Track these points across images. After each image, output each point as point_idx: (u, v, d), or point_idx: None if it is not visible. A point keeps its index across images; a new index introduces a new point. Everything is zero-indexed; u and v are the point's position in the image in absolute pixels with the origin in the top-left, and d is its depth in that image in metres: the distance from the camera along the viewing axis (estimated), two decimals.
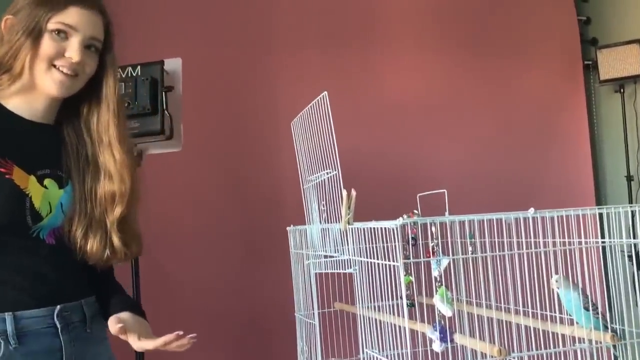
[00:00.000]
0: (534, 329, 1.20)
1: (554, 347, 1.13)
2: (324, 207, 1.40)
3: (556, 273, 1.19)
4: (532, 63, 3.55)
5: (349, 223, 1.23)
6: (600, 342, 1.13)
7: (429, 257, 1.13)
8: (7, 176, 1.14)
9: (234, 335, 2.70)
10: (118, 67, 1.30)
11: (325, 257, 1.43)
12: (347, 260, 1.29)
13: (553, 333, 1.18)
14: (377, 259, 1.14)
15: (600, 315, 1.19)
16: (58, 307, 1.19)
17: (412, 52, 3.32)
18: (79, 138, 1.27)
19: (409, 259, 1.08)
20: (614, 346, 1.15)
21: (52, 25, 1.16)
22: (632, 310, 1.23)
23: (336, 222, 1.34)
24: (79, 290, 1.26)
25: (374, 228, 1.16)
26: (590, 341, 1.13)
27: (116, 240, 1.25)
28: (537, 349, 1.12)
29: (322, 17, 3.18)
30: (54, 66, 1.17)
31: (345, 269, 1.31)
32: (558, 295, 1.17)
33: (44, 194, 1.19)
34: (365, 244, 1.23)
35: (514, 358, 1.10)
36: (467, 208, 1.38)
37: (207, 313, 2.58)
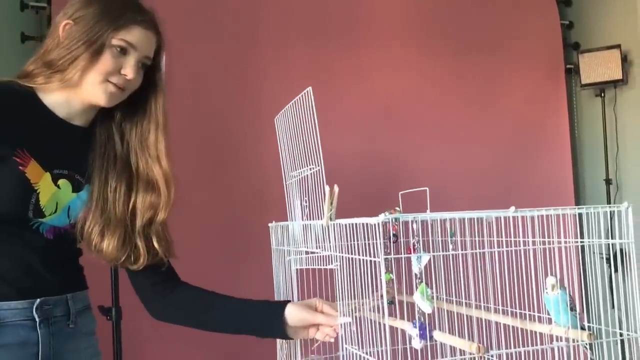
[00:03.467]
0: (513, 327, 1.21)
1: (532, 345, 1.14)
2: (306, 203, 1.40)
3: (534, 272, 1.20)
4: (515, 66, 3.60)
5: (331, 219, 1.23)
6: (577, 341, 1.15)
7: (410, 254, 1.13)
8: (20, 167, 1.15)
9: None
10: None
11: (307, 253, 1.43)
12: (329, 256, 1.29)
13: (531, 331, 1.19)
14: (359, 255, 1.14)
15: (577, 315, 1.21)
16: (38, 300, 1.18)
17: (396, 52, 3.34)
18: (109, 138, 1.30)
19: (390, 255, 1.09)
20: (590, 345, 1.16)
21: (115, 41, 1.19)
22: (608, 311, 1.25)
23: (318, 218, 1.34)
24: (67, 285, 1.25)
25: (356, 224, 1.16)
26: (567, 339, 1.15)
27: (155, 245, 1.29)
28: (515, 347, 1.13)
29: (307, 14, 3.18)
30: (108, 80, 1.20)
31: (326, 265, 1.31)
32: (542, 295, 1.18)
33: (54, 194, 1.20)
34: (348, 241, 1.23)
35: (492, 355, 1.11)
36: (448, 206, 1.38)
37: None
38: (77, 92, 1.21)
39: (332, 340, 1.25)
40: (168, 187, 1.29)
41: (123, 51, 1.20)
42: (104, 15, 1.19)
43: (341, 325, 1.22)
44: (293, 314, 1.28)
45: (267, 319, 1.31)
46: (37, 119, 1.21)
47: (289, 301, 1.31)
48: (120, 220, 1.26)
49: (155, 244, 1.29)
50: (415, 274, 1.09)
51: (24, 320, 1.17)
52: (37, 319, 1.18)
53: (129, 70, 1.20)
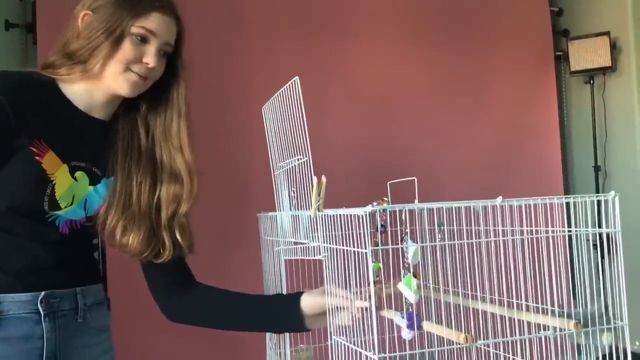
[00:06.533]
0: (500, 316, 1.21)
1: (520, 335, 1.15)
2: (294, 193, 1.40)
3: (523, 261, 1.21)
4: (504, 53, 3.59)
5: (318, 210, 1.23)
6: (564, 330, 1.15)
7: (399, 244, 1.13)
8: (37, 157, 1.13)
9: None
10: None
11: (295, 243, 1.43)
12: (317, 247, 1.29)
13: (519, 320, 1.20)
14: (347, 246, 1.14)
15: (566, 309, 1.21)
16: (43, 293, 1.16)
17: (384, 41, 3.32)
18: (133, 131, 1.28)
19: (378, 246, 1.09)
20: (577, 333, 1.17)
21: (135, 29, 1.18)
22: (601, 298, 1.26)
23: (306, 208, 1.33)
24: (77, 278, 1.23)
25: (344, 215, 1.15)
26: (554, 328, 1.15)
27: (178, 238, 1.28)
28: (503, 336, 1.13)
29: (296, 2, 3.15)
30: (130, 69, 1.18)
31: (314, 256, 1.31)
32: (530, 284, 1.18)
33: (70, 186, 1.18)
34: (336, 231, 1.23)
35: (480, 345, 1.11)
36: (439, 196, 1.38)
37: None
38: (99, 83, 1.20)
39: (350, 323, 1.21)
40: (191, 178, 1.28)
41: (143, 39, 1.19)
42: (122, 3, 1.18)
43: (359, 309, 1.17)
44: (310, 303, 1.26)
45: (285, 314, 1.29)
46: (57, 110, 1.19)
47: (302, 292, 1.28)
48: (144, 215, 1.24)
49: (179, 237, 1.28)
50: (404, 265, 1.09)
51: (29, 313, 1.15)
52: (42, 312, 1.16)
53: (151, 58, 1.19)
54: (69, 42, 1.20)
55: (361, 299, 1.13)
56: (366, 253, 1.02)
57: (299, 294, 1.29)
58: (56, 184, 1.15)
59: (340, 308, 1.22)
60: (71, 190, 1.18)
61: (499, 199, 1.09)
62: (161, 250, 1.27)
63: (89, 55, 1.17)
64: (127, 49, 1.17)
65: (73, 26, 1.21)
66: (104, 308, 1.31)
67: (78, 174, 1.19)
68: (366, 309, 1.13)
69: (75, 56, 1.18)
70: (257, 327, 1.34)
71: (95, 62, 1.17)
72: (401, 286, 1.06)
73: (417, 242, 1.17)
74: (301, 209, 1.38)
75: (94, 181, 1.22)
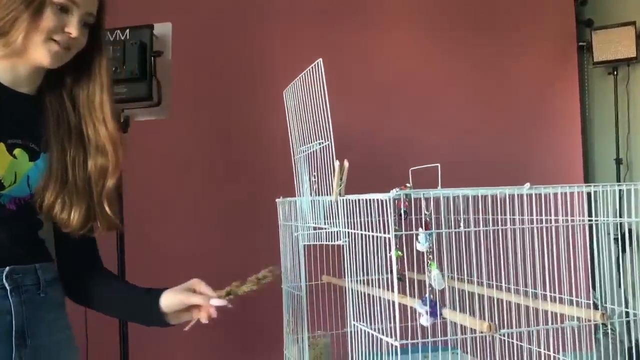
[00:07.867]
0: (524, 306, 1.19)
1: (543, 325, 1.13)
2: (314, 178, 1.38)
3: (546, 250, 1.18)
4: (527, 43, 3.53)
5: (340, 194, 1.21)
6: (589, 320, 1.13)
7: (423, 230, 1.11)
8: None
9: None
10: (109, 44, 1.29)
11: (315, 229, 1.41)
12: (337, 232, 1.28)
13: (542, 310, 1.18)
14: (368, 231, 1.13)
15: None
16: (7, 268, 1.17)
17: (407, 28, 3.28)
18: (61, 107, 1.26)
19: (400, 232, 1.07)
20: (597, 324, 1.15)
21: None
22: (615, 289, 1.23)
23: (327, 193, 1.32)
24: (34, 255, 1.23)
25: (366, 200, 1.14)
26: (579, 319, 1.13)
27: (107, 211, 1.25)
28: (526, 326, 1.11)
29: None
30: (52, 39, 1.15)
31: (334, 241, 1.29)
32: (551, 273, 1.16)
33: (10, 163, 1.17)
34: (356, 217, 1.21)
35: (502, 334, 1.09)
36: (457, 184, 1.36)
37: None
38: (21, 56, 1.16)
39: (207, 321, 1.24)
40: (115, 150, 1.25)
41: (64, 9, 1.15)
42: None
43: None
44: (170, 300, 1.25)
45: (147, 309, 1.27)
46: None
47: (166, 288, 1.27)
48: (82, 190, 1.23)
49: (109, 211, 1.26)
50: (427, 251, 1.07)
51: None
52: (7, 287, 1.16)
53: (73, 28, 1.16)
54: None
55: None
56: (389, 238, 1.01)
57: (163, 290, 1.27)
58: None
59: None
60: (12, 168, 1.17)
61: (527, 185, 1.07)
62: (98, 225, 1.26)
63: (10, 27, 1.13)
64: (48, 18, 1.13)
65: None
66: (60, 284, 1.31)
67: (17, 151, 1.18)
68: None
69: None
70: (132, 319, 1.33)
71: (18, 35, 1.13)
72: (436, 272, 1.04)
73: (439, 229, 1.15)
74: (322, 193, 1.36)
75: (33, 157, 1.21)
